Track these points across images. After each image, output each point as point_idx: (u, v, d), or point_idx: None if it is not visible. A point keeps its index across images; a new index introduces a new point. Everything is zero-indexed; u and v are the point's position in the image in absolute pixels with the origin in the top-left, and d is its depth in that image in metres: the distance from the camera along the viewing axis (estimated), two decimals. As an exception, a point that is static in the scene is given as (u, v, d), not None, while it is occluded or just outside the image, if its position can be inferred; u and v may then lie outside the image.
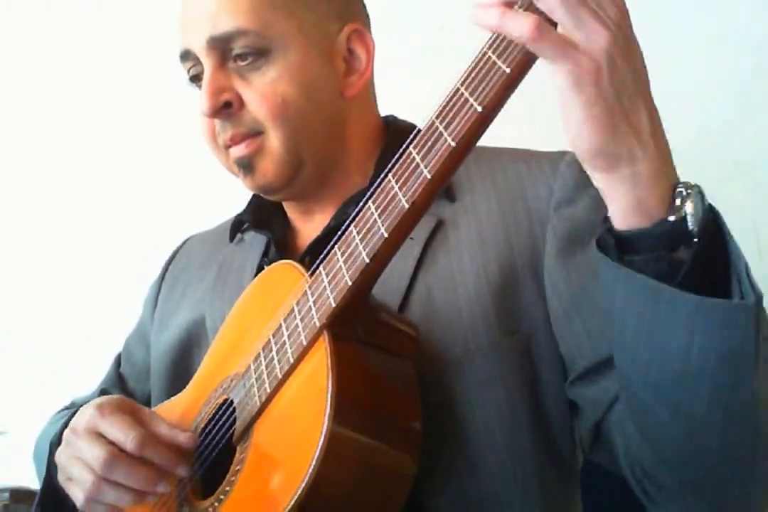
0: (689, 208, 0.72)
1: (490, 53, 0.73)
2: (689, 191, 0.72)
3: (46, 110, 1.99)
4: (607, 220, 0.75)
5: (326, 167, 1.06)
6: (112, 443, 0.92)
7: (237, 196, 1.16)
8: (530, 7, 0.70)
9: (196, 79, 1.06)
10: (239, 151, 1.03)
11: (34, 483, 1.22)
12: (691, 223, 0.72)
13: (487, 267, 0.96)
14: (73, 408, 1.15)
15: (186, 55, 1.05)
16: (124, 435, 0.91)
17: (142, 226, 1.93)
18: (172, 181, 1.92)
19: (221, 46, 1.01)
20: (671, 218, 0.72)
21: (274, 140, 1.02)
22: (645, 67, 0.73)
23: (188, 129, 1.23)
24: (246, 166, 1.04)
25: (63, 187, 1.99)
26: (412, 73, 1.67)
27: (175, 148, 1.88)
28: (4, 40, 2.01)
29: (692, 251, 0.72)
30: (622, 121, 0.70)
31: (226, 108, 1.01)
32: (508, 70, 0.71)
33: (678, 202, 0.72)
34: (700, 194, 0.73)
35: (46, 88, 1.98)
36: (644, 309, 0.74)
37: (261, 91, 1.00)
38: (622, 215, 0.74)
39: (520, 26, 0.68)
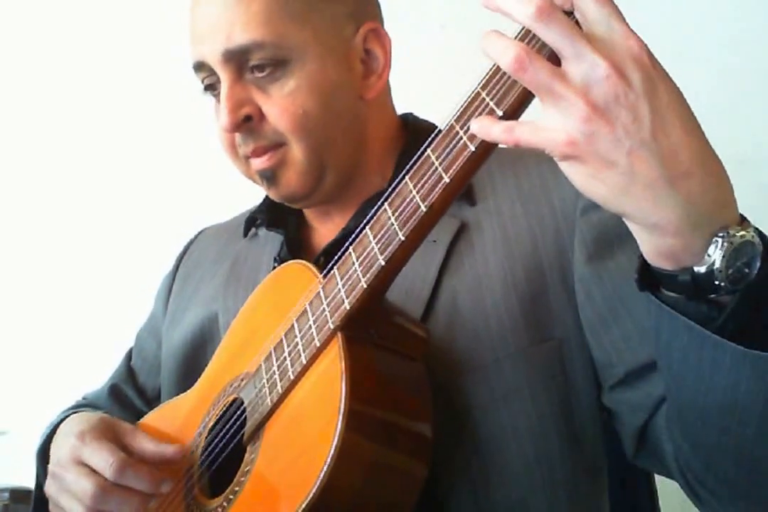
0: (718, 262, 0.66)
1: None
2: (725, 242, 0.65)
3: (65, 103, 1.99)
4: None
5: (348, 172, 1.05)
6: (97, 472, 0.93)
7: (251, 188, 1.15)
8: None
9: (210, 88, 1.04)
10: (261, 163, 1.02)
11: (34, 483, 1.21)
12: (718, 279, 0.66)
13: (514, 271, 0.94)
14: (78, 408, 1.15)
15: (200, 67, 1.02)
16: (105, 462, 0.92)
17: (152, 219, 1.93)
18: (184, 173, 1.92)
19: (237, 58, 0.99)
20: (697, 269, 0.67)
21: (296, 151, 1.00)
22: (654, 110, 0.63)
23: (200, 122, 1.22)
24: (269, 178, 1.03)
25: (71, 181, 1.99)
26: (412, 73, 1.67)
27: (189, 140, 1.87)
28: (10, 39, 2.00)
29: (734, 299, 0.67)
30: (622, 180, 0.64)
31: (246, 122, 1.00)
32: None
33: (711, 250, 0.66)
34: (746, 244, 0.66)
35: (67, 81, 1.99)
36: (689, 347, 0.71)
37: (281, 103, 0.99)
38: (647, 254, 0.70)
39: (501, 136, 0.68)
